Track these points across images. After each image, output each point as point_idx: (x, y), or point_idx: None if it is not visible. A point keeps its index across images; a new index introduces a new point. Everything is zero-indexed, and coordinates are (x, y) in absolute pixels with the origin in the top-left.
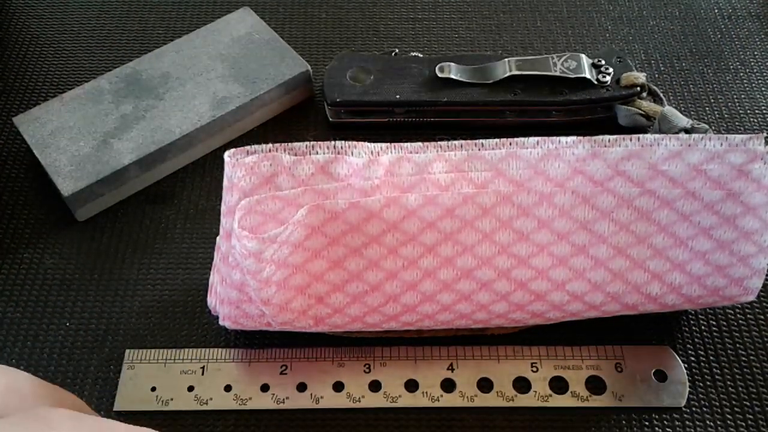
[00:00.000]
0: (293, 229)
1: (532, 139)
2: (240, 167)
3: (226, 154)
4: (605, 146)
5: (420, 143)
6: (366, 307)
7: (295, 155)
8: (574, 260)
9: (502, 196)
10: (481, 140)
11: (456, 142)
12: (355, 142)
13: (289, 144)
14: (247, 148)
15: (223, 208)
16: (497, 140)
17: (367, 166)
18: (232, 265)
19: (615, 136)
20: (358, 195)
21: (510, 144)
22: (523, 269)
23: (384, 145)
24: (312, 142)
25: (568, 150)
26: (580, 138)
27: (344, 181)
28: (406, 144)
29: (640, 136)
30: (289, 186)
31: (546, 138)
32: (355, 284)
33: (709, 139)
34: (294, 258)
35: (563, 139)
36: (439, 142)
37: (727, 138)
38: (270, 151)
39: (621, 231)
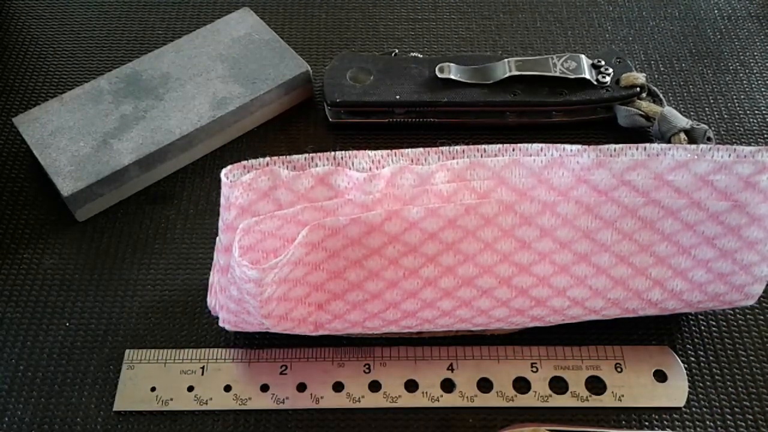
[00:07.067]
0: (294, 250)
1: (536, 146)
2: (237, 186)
3: (223, 173)
4: (611, 156)
5: (421, 149)
6: (366, 313)
7: (294, 169)
8: (575, 268)
9: (504, 205)
10: (483, 146)
11: (458, 148)
12: (355, 152)
13: (288, 157)
14: (244, 163)
15: (221, 224)
16: (500, 146)
17: (368, 181)
18: (231, 281)
19: (621, 146)
20: (359, 210)
21: (513, 150)
22: (525, 276)
23: (385, 152)
24: (311, 154)
25: (573, 159)
26: (585, 147)
27: (344, 193)
28: (407, 150)
29: (647, 145)
30: (288, 199)
31: (550, 145)
32: (356, 293)
33: (717, 150)
34: (294, 273)
35: (568, 147)
36: (440, 148)
37: (735, 149)
38: (267, 164)
39: (624, 240)
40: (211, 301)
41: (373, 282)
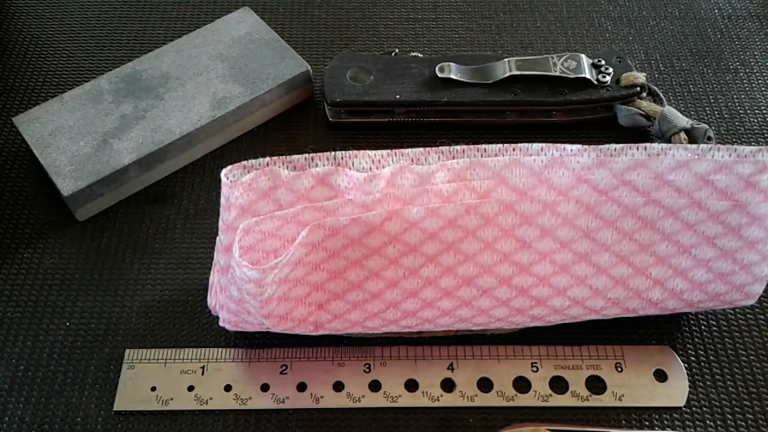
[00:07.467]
0: (294, 250)
1: (536, 146)
2: (237, 187)
3: (223, 174)
4: (611, 155)
5: (421, 149)
6: (366, 312)
7: (294, 169)
8: (575, 267)
9: (504, 205)
10: (484, 146)
11: (458, 148)
12: (355, 152)
13: (288, 157)
14: (244, 163)
15: (221, 224)
16: (500, 146)
17: (368, 181)
18: (231, 282)
19: (621, 145)
20: (359, 210)
21: (513, 150)
22: (525, 276)
23: (385, 152)
24: (311, 154)
25: (573, 158)
26: (586, 146)
27: (344, 193)
28: (407, 150)
29: (647, 145)
30: (288, 199)
31: (551, 145)
32: (356, 293)
33: (718, 150)
34: (294, 274)
35: (568, 146)
36: (440, 148)
37: (735, 149)
38: (267, 165)
39: (624, 239)
40: (212, 301)
41: (374, 282)
